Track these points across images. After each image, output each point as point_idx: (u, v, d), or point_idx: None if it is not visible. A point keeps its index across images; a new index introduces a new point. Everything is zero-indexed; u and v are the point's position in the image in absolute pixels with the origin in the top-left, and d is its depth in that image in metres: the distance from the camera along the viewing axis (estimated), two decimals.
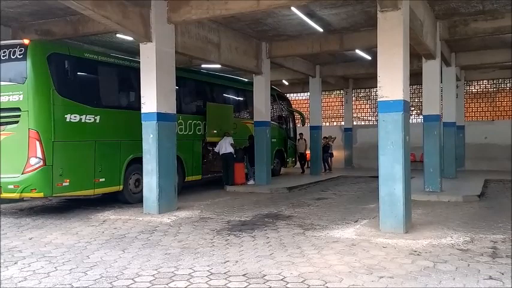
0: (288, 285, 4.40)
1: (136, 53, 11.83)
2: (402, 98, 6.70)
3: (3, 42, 8.49)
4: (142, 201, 9.51)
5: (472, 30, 10.53)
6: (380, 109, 6.86)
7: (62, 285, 4.48)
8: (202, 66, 14.39)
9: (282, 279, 4.58)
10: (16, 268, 5.09)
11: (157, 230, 7.14)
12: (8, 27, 10.26)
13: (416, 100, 18.79)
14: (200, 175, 12.09)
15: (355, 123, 21.11)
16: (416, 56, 10.58)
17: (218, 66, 14.11)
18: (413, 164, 9.90)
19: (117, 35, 10.70)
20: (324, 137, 17.68)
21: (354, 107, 21.15)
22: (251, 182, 13.01)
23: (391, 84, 6.74)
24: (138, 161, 9.72)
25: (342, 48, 12.03)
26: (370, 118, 21.56)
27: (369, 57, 14.43)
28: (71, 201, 9.99)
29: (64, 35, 9.90)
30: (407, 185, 6.83)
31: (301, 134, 17.44)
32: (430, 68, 10.92)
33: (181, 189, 10.65)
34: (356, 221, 7.68)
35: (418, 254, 5.49)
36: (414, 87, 18.21)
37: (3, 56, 8.04)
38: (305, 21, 10.17)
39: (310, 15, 9.83)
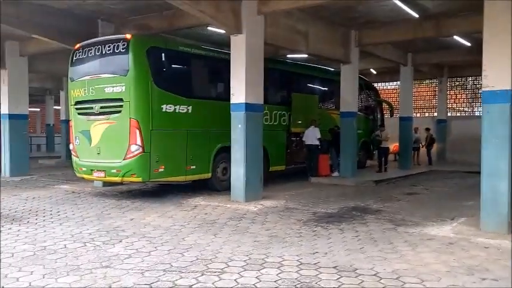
0: (382, 281, 4.27)
1: (225, 44, 12.16)
2: (510, 88, 6.11)
3: (108, 37, 9.19)
4: (229, 189, 9.78)
5: None
6: (484, 100, 6.33)
7: (163, 264, 4.79)
8: (288, 56, 14.35)
9: (374, 275, 4.46)
10: (121, 246, 5.53)
11: (245, 218, 7.32)
12: (111, 23, 11.03)
13: None
14: (284, 165, 12.12)
15: (449, 114, 19.77)
16: None
17: (304, 55, 14.00)
18: None
19: (208, 28, 11.02)
20: (426, 129, 16.85)
21: (449, 96, 19.80)
22: (335, 174, 12.79)
23: (497, 72, 6.17)
24: (225, 150, 10.00)
25: (438, 35, 11.28)
26: (466, 109, 20.13)
27: (468, 44, 13.39)
28: (163, 186, 10.57)
29: (160, 29, 10.43)
30: None
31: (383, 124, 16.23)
32: None
33: (265, 179, 10.79)
34: (452, 219, 7.21)
35: None
36: None
37: (108, 50, 8.68)
38: (399, 7, 9.67)
39: (406, 0, 9.32)
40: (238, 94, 8.61)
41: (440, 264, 4.81)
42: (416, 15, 10.26)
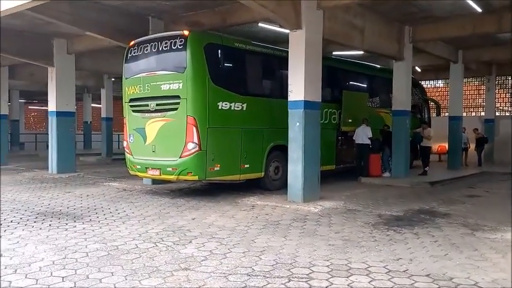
0: None
1: (272, 41, 11.93)
2: None
3: (164, 33, 9.08)
4: (281, 189, 9.64)
5: None
6: None
7: (243, 267, 4.58)
8: (334, 53, 14.01)
9: (474, 284, 4.14)
10: (193, 247, 5.36)
11: (309, 219, 7.06)
12: (161, 20, 10.93)
13: None
14: (334, 165, 11.81)
15: (497, 113, 19.00)
16: None
17: (349, 52, 13.64)
18: None
19: (259, 25, 10.79)
20: (475, 129, 16.22)
21: (498, 95, 19.02)
22: (387, 174, 12.39)
23: None
24: (278, 149, 9.83)
25: (499, 30, 10.73)
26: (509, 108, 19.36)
27: None
28: (213, 185, 10.42)
29: (212, 25, 10.22)
30: None
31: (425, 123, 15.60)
32: None
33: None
34: None
35: None
36: None
37: (165, 47, 8.56)
38: (463, 0, 9.21)
39: None
40: (297, 91, 8.36)
41: None
42: (480, 10, 9.75)
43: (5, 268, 4.49)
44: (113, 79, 20.53)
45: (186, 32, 8.38)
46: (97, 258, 4.89)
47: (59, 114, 13.60)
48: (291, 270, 4.53)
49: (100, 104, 22.62)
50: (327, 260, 4.87)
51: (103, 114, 20.97)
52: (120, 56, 13.57)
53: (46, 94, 14.15)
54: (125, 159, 9.78)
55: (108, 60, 16.10)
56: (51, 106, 13.72)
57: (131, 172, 9.55)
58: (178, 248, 5.33)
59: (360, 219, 7.05)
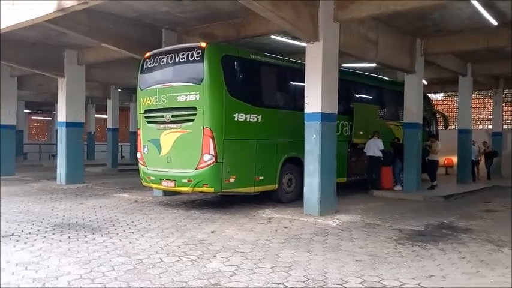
0: None
1: (280, 54, 11.89)
2: None
3: (181, 45, 9.07)
4: (294, 201, 9.58)
5: None
6: None
7: (275, 284, 4.49)
8: (343, 65, 13.98)
9: None
10: (218, 261, 5.26)
11: (329, 233, 6.96)
12: (174, 32, 10.94)
13: None
14: (345, 177, 11.73)
15: (504, 127, 18.97)
16: None
17: (357, 64, 13.61)
18: None
19: (272, 37, 10.78)
20: (484, 142, 16.16)
21: (505, 109, 19.02)
22: (398, 187, 12.30)
23: None
24: (291, 161, 9.77)
25: None
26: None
27: None
28: (224, 197, 10.28)
29: (225, 37, 10.22)
30: None
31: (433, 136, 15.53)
32: None
33: None
34: None
35: None
36: None
37: (182, 59, 8.54)
38: (477, 14, 9.22)
39: (489, 6, 8.86)
40: (314, 103, 8.32)
41: None
42: (495, 23, 9.74)
43: (33, 282, 4.39)
44: (119, 90, 20.51)
45: (203, 44, 8.36)
46: (123, 272, 4.78)
47: (68, 125, 13.50)
48: (323, 287, 4.44)
49: (103, 114, 22.53)
50: (359, 277, 4.77)
51: (109, 125, 20.91)
52: (129, 67, 13.59)
53: (51, 104, 14.09)
54: (138, 170, 9.68)
55: (116, 71, 16.09)
56: (61, 117, 13.64)
57: (144, 183, 9.45)
58: (204, 262, 5.23)
59: (381, 234, 6.96)
